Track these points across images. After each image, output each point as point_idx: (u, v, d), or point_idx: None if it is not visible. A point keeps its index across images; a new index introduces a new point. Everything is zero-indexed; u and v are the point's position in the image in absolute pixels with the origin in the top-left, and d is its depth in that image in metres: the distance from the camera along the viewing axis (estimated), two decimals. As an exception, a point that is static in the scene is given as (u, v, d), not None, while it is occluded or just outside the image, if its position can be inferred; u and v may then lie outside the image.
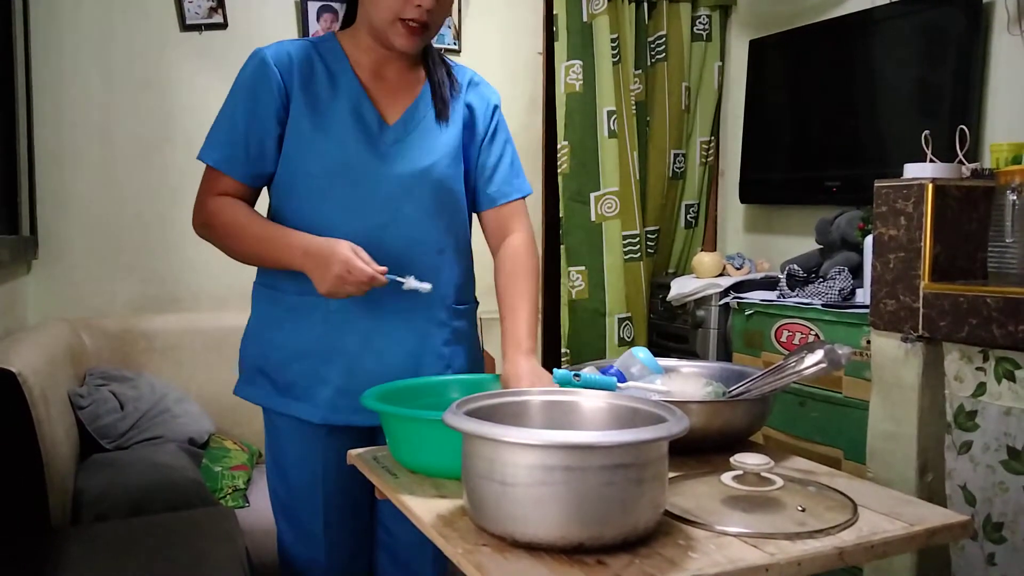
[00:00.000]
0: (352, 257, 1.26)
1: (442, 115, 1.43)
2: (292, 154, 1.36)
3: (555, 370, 1.22)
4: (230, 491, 2.19)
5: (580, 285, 2.98)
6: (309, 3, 2.79)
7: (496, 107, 1.52)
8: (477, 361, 1.54)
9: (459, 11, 3.03)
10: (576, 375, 1.19)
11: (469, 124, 1.48)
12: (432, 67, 1.47)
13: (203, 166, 1.39)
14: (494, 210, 1.50)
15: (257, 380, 1.44)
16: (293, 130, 1.36)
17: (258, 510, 2.16)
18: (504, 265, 1.46)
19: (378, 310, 1.38)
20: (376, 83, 1.42)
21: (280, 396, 1.41)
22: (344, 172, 1.36)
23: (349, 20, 1.46)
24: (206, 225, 1.39)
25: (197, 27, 2.69)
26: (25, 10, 2.45)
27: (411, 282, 1.33)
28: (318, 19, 2.81)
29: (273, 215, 1.42)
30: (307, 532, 1.45)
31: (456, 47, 3.02)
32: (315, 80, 1.38)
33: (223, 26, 2.71)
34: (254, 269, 1.46)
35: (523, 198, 1.52)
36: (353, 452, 1.27)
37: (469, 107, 1.48)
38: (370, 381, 1.32)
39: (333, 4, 2.82)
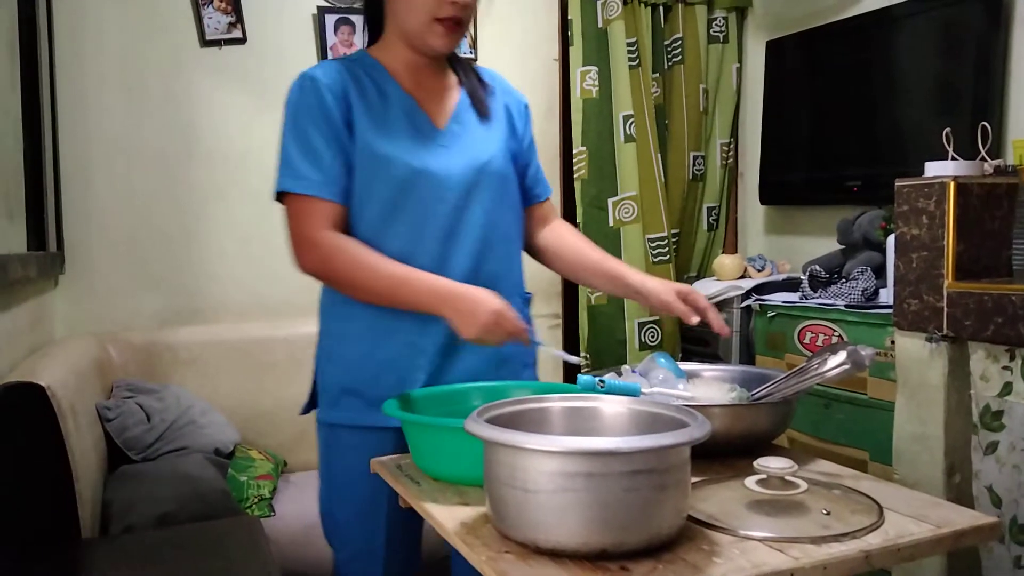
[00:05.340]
0: (506, 308, 1.27)
1: (484, 114, 1.47)
2: (364, 169, 1.36)
3: (579, 376, 1.22)
4: (256, 500, 2.21)
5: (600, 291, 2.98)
6: (326, 16, 2.82)
7: (527, 107, 1.58)
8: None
9: (475, 19, 3.04)
10: (601, 381, 1.19)
11: (510, 124, 1.52)
12: (461, 71, 1.50)
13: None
14: (537, 205, 1.58)
15: (342, 401, 1.41)
16: (361, 145, 1.36)
17: (284, 519, 2.18)
18: (565, 236, 1.58)
19: None
20: (419, 91, 1.44)
21: (374, 411, 1.37)
22: (415, 178, 1.36)
23: (376, 34, 1.48)
24: (326, 261, 1.34)
25: (217, 42, 2.72)
26: (49, 28, 2.50)
27: (556, 351, 1.35)
28: (335, 32, 2.83)
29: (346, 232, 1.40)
30: (366, 550, 1.43)
31: (472, 55, 3.03)
32: (367, 94, 1.39)
33: (242, 41, 2.74)
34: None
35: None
36: (376, 460, 1.27)
37: (507, 108, 1.52)
38: (460, 379, 1.39)
39: (350, 17, 2.84)
